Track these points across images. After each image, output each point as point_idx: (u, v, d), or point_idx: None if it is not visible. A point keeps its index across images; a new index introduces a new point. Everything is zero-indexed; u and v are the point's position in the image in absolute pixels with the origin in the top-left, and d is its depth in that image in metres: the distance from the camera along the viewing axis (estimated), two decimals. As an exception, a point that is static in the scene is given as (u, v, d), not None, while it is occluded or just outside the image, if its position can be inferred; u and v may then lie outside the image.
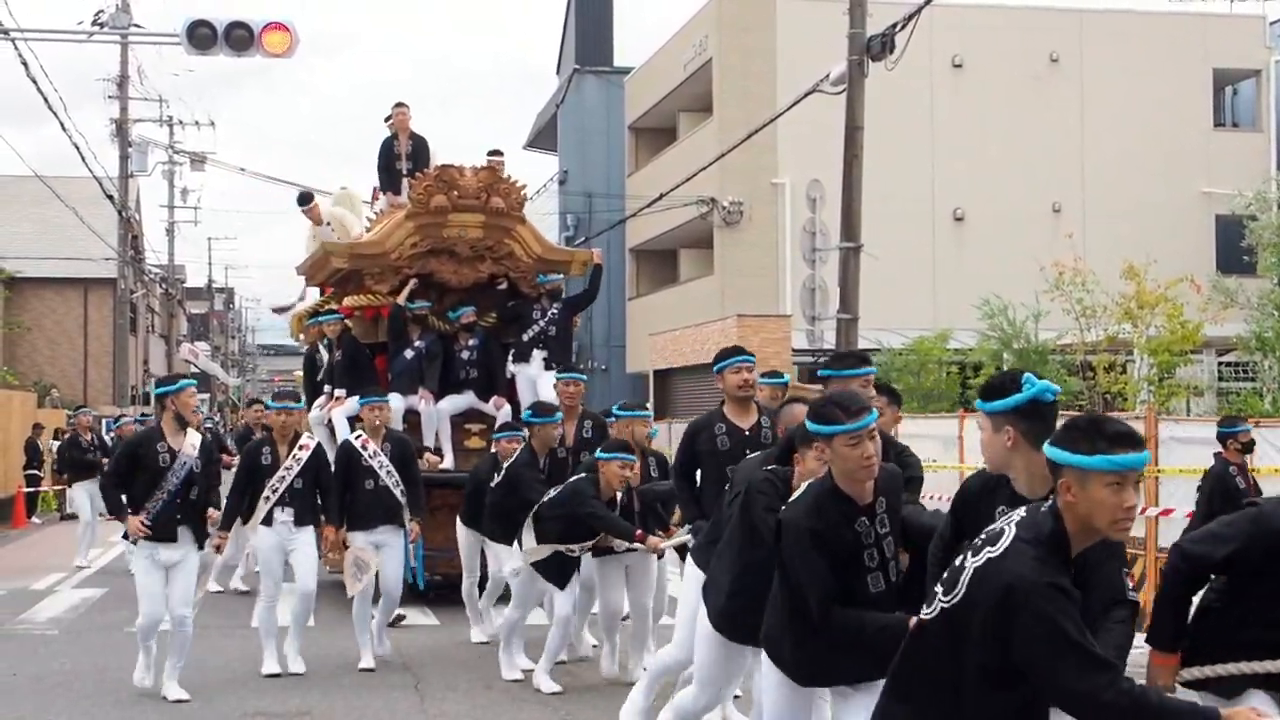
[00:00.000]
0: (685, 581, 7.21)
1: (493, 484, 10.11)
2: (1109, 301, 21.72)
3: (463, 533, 10.94)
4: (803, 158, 28.34)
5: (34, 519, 24.41)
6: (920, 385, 25.30)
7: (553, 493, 8.95)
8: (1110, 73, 32.47)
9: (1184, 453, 12.25)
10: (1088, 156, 32.63)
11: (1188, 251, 29.71)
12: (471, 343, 13.39)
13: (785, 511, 4.83)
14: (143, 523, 8.62)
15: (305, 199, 15.22)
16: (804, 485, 4.89)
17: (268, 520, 9.71)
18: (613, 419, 9.92)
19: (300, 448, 9.81)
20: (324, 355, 13.55)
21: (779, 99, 26.30)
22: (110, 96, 35.12)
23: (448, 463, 13.03)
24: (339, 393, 12.98)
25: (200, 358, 57.65)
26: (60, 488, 25.15)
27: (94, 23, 26.85)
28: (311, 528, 9.86)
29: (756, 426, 7.68)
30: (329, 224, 14.87)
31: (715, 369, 7.72)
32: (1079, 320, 22.44)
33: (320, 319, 13.55)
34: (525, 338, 13.27)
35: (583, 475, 8.84)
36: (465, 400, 13.36)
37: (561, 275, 13.82)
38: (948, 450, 16.45)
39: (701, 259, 35.24)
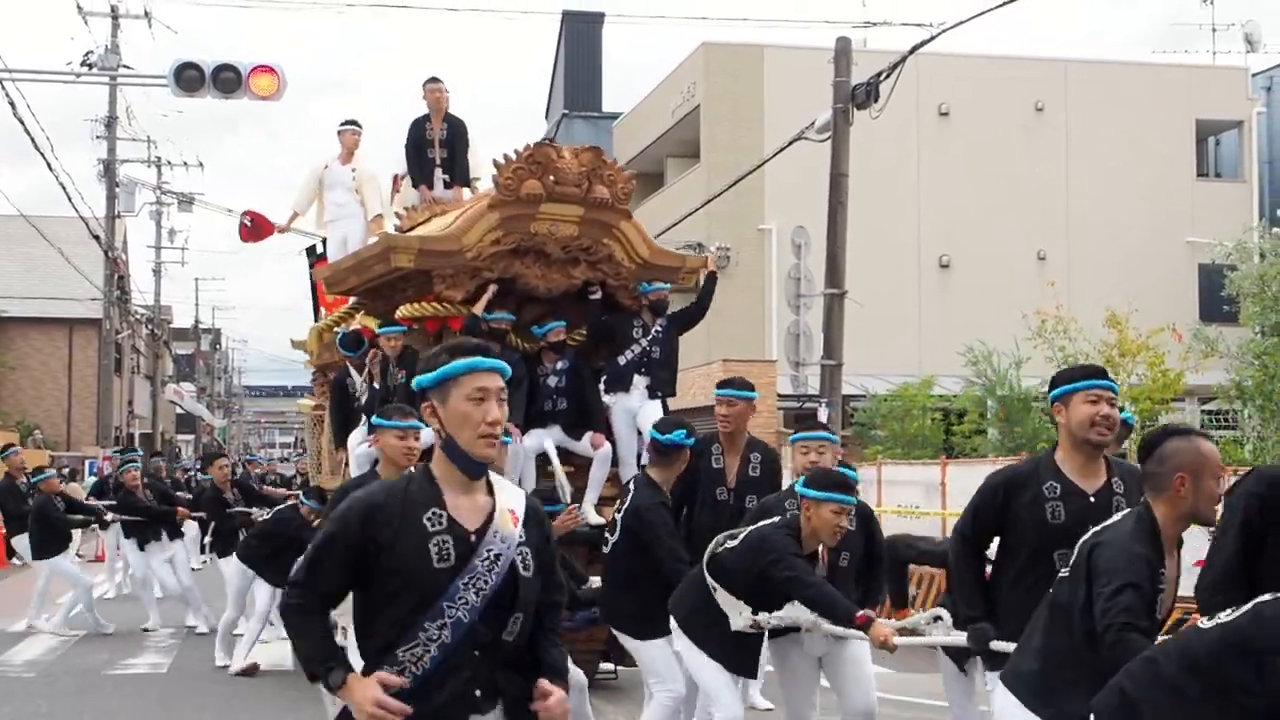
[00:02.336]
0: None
1: (607, 545, 7.29)
2: (1091, 349, 21.84)
3: None
4: (789, 204, 28.47)
5: (14, 560, 24.26)
6: (904, 431, 25.37)
7: (731, 542, 6.35)
8: (1095, 122, 32.71)
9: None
10: (1072, 205, 32.82)
11: (1171, 300, 29.87)
12: (560, 365, 10.67)
13: None
14: (387, 683, 3.65)
15: (353, 121, 13.35)
16: None
17: None
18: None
19: None
20: (356, 380, 11.26)
21: (766, 145, 26.44)
22: (98, 137, 35.21)
23: None
24: None
25: (185, 399, 57.56)
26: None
27: (83, 64, 26.95)
28: None
29: (1107, 489, 5.09)
30: (354, 169, 12.98)
31: (1053, 394, 5.14)
32: (1060, 367, 22.53)
33: (385, 330, 10.71)
34: (623, 360, 10.67)
35: (775, 521, 6.30)
36: (551, 437, 10.62)
37: (668, 285, 11.18)
38: (929, 497, 16.50)
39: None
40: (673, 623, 6.59)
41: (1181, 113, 33.52)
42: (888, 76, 16.38)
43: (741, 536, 6.29)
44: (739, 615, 6.24)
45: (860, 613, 5.85)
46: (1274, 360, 20.95)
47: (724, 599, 6.28)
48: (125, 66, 30.06)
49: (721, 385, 7.87)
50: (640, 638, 6.99)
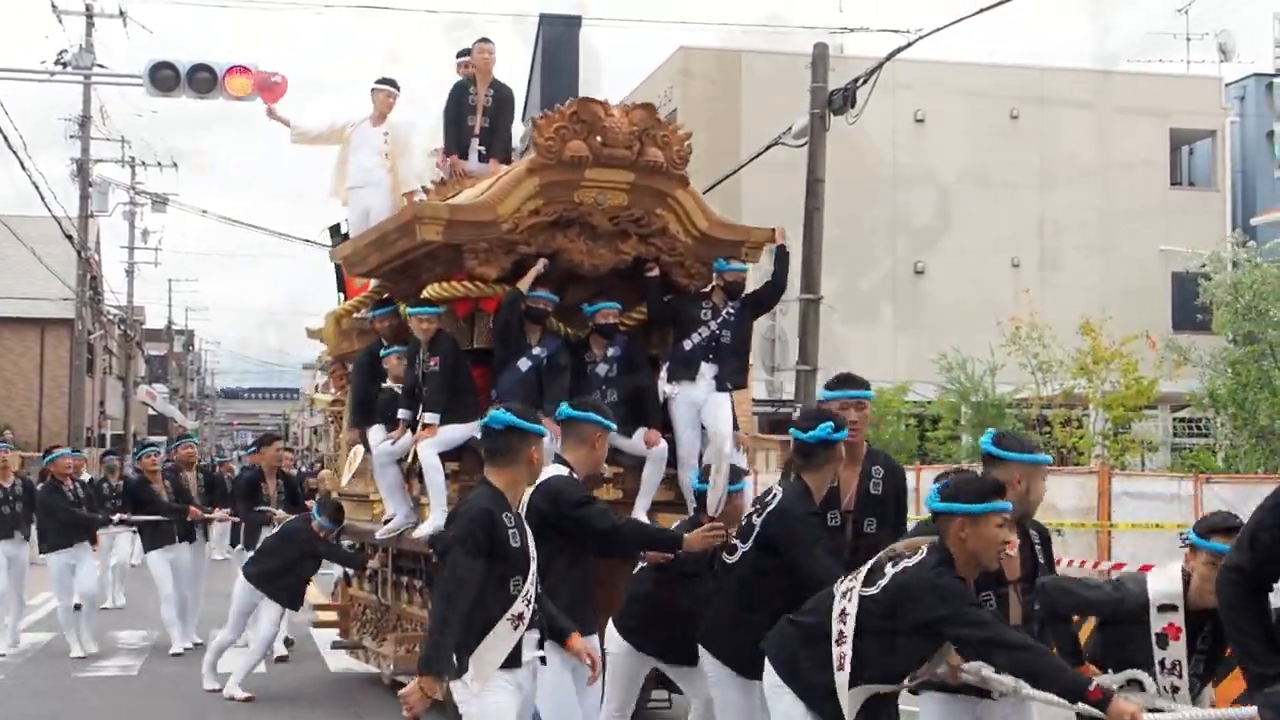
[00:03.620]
0: None
1: (733, 555, 5.98)
2: (1065, 356, 21.93)
3: (624, 651, 6.75)
4: (765, 209, 28.50)
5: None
6: (878, 437, 25.39)
7: (865, 588, 4.91)
8: (1069, 131, 32.84)
9: (1135, 507, 12.37)
10: (1047, 213, 32.94)
11: (1145, 308, 30.00)
12: (611, 353, 9.35)
13: None
14: None
15: (389, 81, 11.88)
16: None
17: (513, 661, 5.28)
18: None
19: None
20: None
21: (743, 150, 26.47)
22: (72, 136, 35.04)
23: None
24: (429, 418, 9.05)
25: (157, 400, 57.32)
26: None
27: (57, 62, 26.79)
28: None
29: None
30: (387, 132, 11.61)
31: None
32: (1035, 374, 22.63)
33: (417, 311, 9.34)
34: (688, 345, 9.30)
35: (923, 560, 4.84)
36: None
37: (748, 266, 9.85)
38: (904, 502, 16.50)
39: (663, 308, 35.26)
40: (773, 675, 5.17)
41: (1156, 122, 33.68)
42: (865, 83, 16.43)
43: (881, 585, 4.84)
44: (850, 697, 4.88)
45: (1095, 684, 4.37)
46: (1246, 369, 21.08)
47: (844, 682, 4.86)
48: (100, 66, 29.88)
49: (839, 384, 6.30)
50: (750, 677, 5.60)
